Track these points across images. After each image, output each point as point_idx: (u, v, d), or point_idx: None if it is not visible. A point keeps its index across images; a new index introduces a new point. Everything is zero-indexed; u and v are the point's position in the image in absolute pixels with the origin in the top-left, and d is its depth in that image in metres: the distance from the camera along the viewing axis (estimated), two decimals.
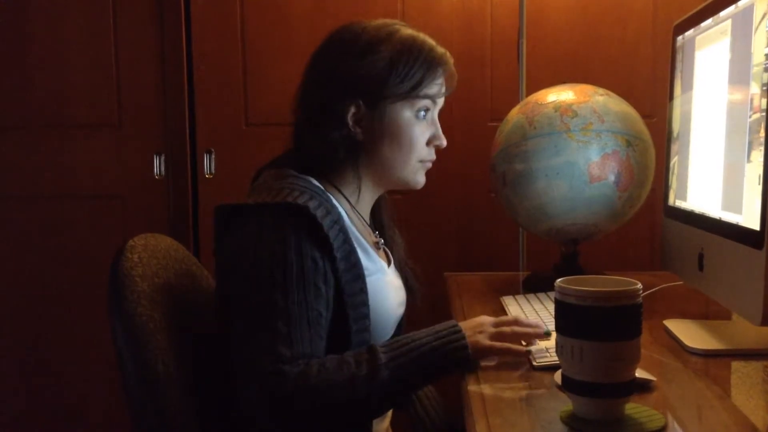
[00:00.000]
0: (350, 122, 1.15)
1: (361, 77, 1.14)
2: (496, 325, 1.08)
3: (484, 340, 1.05)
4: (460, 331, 1.04)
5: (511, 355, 1.06)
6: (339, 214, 1.12)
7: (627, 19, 2.21)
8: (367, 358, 1.00)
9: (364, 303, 1.10)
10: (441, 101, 1.21)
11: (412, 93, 1.15)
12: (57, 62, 2.25)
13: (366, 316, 1.10)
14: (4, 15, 2.23)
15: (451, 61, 1.21)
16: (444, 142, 1.22)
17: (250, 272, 1.03)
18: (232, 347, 1.05)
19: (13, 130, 2.27)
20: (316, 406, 0.98)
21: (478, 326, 1.08)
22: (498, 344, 1.05)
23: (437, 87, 1.18)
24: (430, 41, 1.19)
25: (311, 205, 1.06)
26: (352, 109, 1.15)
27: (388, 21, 1.20)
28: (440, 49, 1.19)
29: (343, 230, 1.10)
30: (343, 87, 1.14)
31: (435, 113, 1.21)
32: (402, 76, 1.14)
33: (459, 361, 1.03)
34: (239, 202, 1.10)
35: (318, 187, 1.14)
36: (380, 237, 1.29)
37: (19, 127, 2.27)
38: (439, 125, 1.22)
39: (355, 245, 1.13)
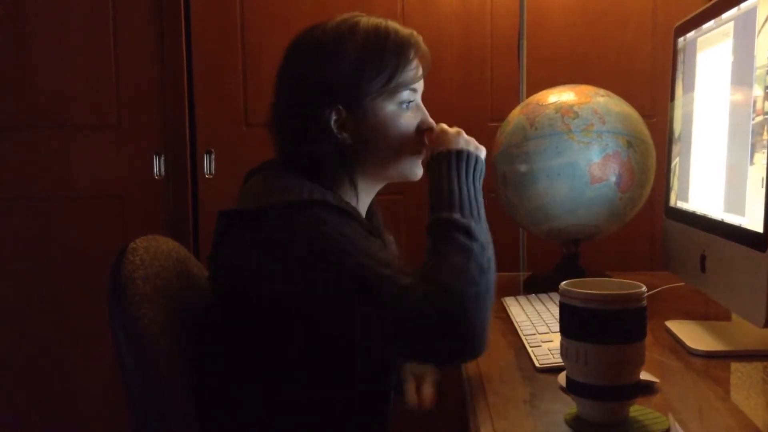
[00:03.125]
0: (335, 129, 1.10)
1: (332, 82, 1.09)
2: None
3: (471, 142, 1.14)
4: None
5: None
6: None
7: (627, 20, 2.21)
8: (444, 228, 1.02)
9: None
10: (420, 85, 1.17)
11: (388, 85, 1.11)
12: (57, 63, 2.24)
13: None
14: (4, 15, 2.23)
15: (420, 38, 1.16)
16: (433, 123, 1.17)
17: (315, 263, 0.98)
18: (354, 333, 0.99)
19: (12, 130, 2.27)
20: (469, 290, 0.94)
21: (455, 135, 1.14)
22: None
23: (412, 72, 1.13)
24: (394, 25, 1.14)
25: (329, 198, 1.04)
26: (334, 116, 1.10)
27: (346, 16, 1.14)
28: (405, 31, 1.14)
29: (362, 221, 1.09)
30: (318, 95, 1.10)
31: (418, 98, 1.17)
32: (374, 71, 1.10)
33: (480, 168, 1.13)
34: (254, 206, 1.04)
35: (320, 187, 1.11)
36: (378, 238, 1.28)
37: (19, 128, 2.27)
38: (424, 109, 1.17)
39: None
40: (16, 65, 2.24)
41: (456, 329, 0.93)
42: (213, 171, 2.24)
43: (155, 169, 2.26)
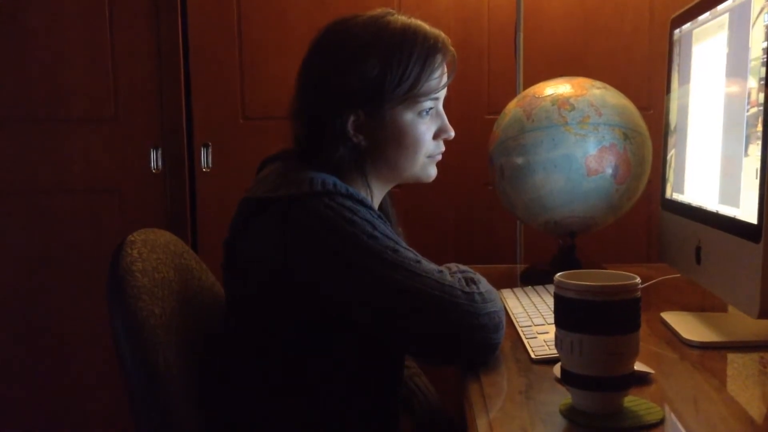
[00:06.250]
0: (351, 131, 1.10)
1: (354, 89, 1.08)
2: None
3: None
4: None
5: None
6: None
7: (624, 12, 2.21)
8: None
9: None
10: (443, 92, 1.15)
11: (410, 93, 1.09)
12: (54, 56, 2.24)
13: None
14: (2, 9, 2.22)
15: (448, 42, 1.13)
16: (452, 133, 1.17)
17: (351, 252, 0.99)
18: (387, 316, 1.01)
19: (9, 124, 2.27)
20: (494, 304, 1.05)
21: None
22: None
23: (436, 80, 1.12)
24: (423, 29, 1.12)
25: (351, 190, 1.04)
26: (352, 118, 1.09)
27: (376, 13, 1.13)
28: (432, 34, 1.12)
29: (380, 215, 1.08)
30: (339, 99, 1.09)
31: (439, 105, 1.16)
32: (397, 79, 1.08)
33: None
34: (284, 193, 1.03)
35: (337, 179, 1.09)
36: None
37: (16, 121, 2.27)
38: (444, 116, 1.16)
39: None
40: (14, 59, 2.24)
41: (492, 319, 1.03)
42: (210, 164, 2.25)
43: (152, 163, 2.26)
